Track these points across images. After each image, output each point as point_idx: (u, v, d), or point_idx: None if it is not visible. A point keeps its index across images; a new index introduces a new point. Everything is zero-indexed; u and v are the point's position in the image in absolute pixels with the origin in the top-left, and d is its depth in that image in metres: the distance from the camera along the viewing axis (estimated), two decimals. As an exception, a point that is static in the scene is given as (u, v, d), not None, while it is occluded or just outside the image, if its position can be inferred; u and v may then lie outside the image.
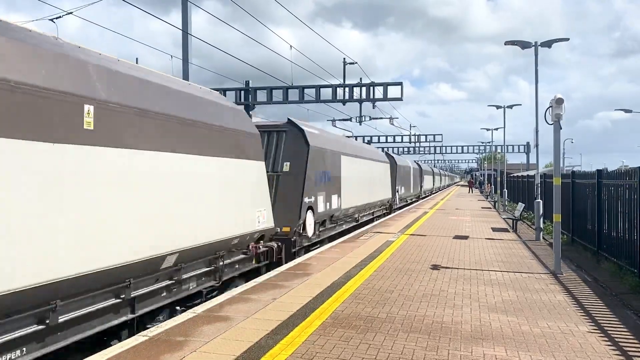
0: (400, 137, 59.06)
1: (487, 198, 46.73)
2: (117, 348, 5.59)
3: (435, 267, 10.58)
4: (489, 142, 58.50)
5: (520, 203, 22.28)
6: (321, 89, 24.34)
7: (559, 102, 10.33)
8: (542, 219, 16.17)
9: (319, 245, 15.11)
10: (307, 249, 14.36)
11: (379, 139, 60.60)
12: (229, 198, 9.17)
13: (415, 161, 49.36)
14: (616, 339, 6.05)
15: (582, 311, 7.31)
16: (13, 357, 5.13)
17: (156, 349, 5.57)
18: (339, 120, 34.98)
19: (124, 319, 6.76)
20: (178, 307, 8.03)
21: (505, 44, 18.06)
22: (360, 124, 30.65)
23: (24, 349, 5.26)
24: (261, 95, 24.46)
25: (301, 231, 13.73)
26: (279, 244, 11.71)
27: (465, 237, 15.76)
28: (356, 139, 45.79)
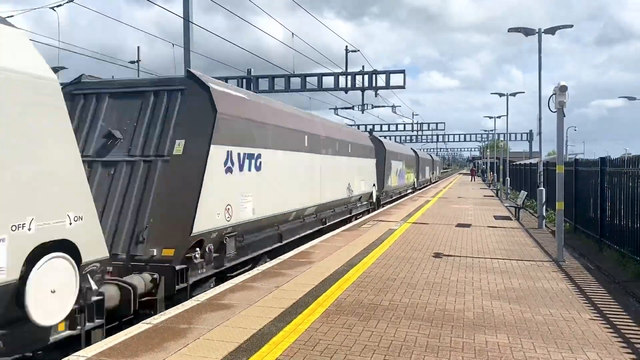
0: (403, 125, 58.99)
1: (489, 186, 46.68)
2: (121, 335, 5.62)
3: (437, 255, 10.59)
4: (491, 130, 58.37)
5: (522, 191, 22.24)
6: (323, 77, 24.26)
7: (562, 89, 10.25)
8: (544, 207, 16.15)
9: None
10: None
11: (381, 127, 60.49)
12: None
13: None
14: (618, 327, 6.06)
15: (584, 299, 7.32)
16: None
17: (160, 336, 5.60)
18: (342, 108, 34.91)
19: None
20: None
21: (508, 31, 17.96)
22: (362, 112, 30.59)
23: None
24: (263, 84, 24.40)
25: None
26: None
27: (468, 225, 15.77)
28: (358, 128, 44.72)
